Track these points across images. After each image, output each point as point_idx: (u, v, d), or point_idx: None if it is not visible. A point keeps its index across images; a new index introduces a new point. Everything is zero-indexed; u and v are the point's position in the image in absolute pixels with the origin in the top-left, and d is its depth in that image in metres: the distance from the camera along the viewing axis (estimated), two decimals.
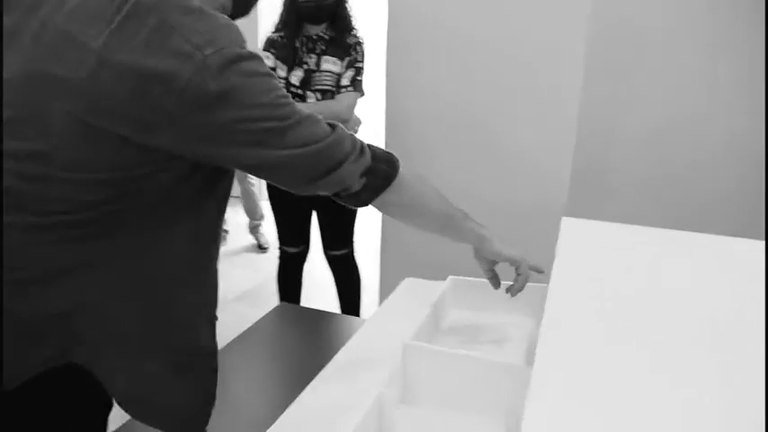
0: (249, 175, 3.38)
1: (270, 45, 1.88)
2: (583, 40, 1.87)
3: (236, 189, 3.32)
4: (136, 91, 0.56)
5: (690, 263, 0.83)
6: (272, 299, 2.83)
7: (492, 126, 2.02)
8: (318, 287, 2.62)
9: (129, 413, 0.74)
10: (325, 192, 0.74)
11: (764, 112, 1.60)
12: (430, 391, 0.81)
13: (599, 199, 2.26)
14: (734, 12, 2.03)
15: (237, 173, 3.48)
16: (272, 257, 3.40)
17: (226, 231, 2.73)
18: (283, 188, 0.73)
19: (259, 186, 3.78)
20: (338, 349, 1.00)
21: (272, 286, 3.00)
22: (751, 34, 2.02)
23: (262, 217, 3.62)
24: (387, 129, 2.15)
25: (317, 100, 1.88)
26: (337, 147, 0.69)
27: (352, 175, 0.72)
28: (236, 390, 1.04)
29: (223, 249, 2.77)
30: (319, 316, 1.44)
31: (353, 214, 2.11)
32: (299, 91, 1.87)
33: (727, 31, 2.04)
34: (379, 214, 2.17)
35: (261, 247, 3.60)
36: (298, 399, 0.84)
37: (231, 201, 2.96)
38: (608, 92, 2.14)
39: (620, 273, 0.78)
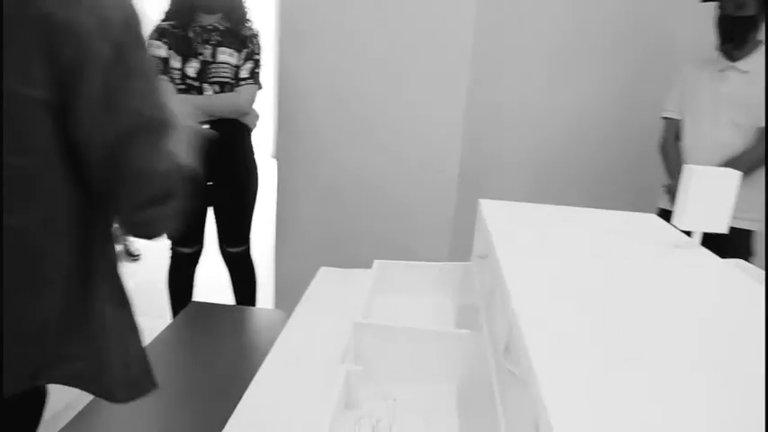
0: None
1: (161, 34, 1.79)
2: (470, 40, 2.01)
3: None
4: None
5: (607, 233, 0.95)
6: (156, 303, 2.68)
7: (383, 118, 2.10)
8: (206, 286, 2.51)
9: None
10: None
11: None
12: (384, 367, 0.85)
13: (490, 180, 2.44)
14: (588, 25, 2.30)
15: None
16: (146, 263, 3.21)
17: None
18: None
19: None
20: (272, 341, 0.99)
21: (152, 291, 2.84)
22: (609, 44, 2.31)
23: None
24: (278, 123, 2.14)
25: (215, 93, 1.83)
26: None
27: None
28: (175, 394, 0.99)
29: None
30: (239, 311, 1.41)
31: (251, 210, 2.07)
32: (196, 83, 1.80)
33: (588, 39, 2.31)
34: (273, 208, 2.17)
35: (131, 255, 3.35)
36: (247, 393, 0.84)
37: None
38: (492, 84, 2.32)
39: (552, 247, 0.87)
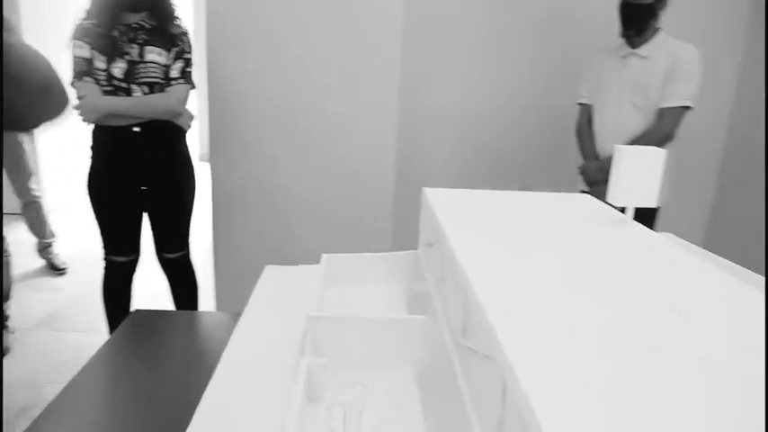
0: (33, 188, 2.95)
1: (82, 34, 1.70)
2: (399, 38, 2.04)
3: (14, 205, 2.90)
4: None
5: (546, 215, 0.99)
6: (87, 317, 2.56)
7: (317, 116, 2.10)
8: (143, 295, 2.44)
9: None
10: None
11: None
12: (343, 357, 0.85)
13: (424, 172, 2.49)
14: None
15: (18, 183, 3.04)
16: (74, 276, 3.06)
17: (6, 254, 2.35)
18: None
19: (49, 195, 3.36)
20: (224, 344, 0.97)
21: (83, 305, 2.72)
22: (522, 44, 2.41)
23: (52, 235, 3.15)
24: (210, 123, 2.09)
25: (144, 94, 1.76)
26: None
27: None
28: (128, 404, 0.96)
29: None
30: (186, 316, 1.37)
31: (189, 214, 2.01)
32: (124, 84, 1.73)
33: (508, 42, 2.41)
34: (209, 212, 2.11)
35: (56, 269, 3.16)
36: (205, 395, 0.82)
37: (9, 218, 2.63)
38: (422, 80, 2.36)
39: (499, 229, 0.89)
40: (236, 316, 1.23)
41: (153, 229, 1.98)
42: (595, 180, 2.05)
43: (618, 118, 1.99)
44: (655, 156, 0.94)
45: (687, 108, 1.89)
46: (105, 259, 1.97)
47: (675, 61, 1.87)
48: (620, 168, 0.94)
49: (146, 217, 1.97)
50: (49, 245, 3.15)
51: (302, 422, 0.68)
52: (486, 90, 2.48)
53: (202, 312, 1.40)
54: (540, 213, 1.00)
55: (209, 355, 1.07)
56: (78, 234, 3.64)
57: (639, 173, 0.94)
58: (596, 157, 2.08)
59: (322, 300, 1.00)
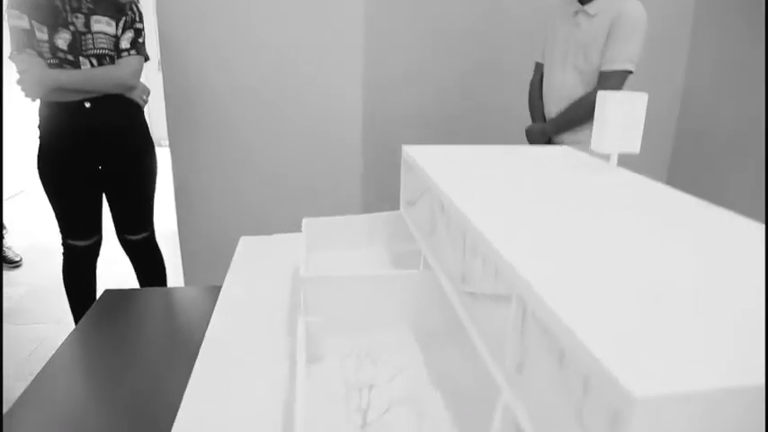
0: None
1: (19, 2, 1.58)
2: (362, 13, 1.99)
3: None
4: None
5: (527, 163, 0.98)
6: (48, 309, 2.45)
7: (281, 88, 2.03)
8: (106, 280, 2.36)
9: None
10: None
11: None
12: (338, 317, 0.82)
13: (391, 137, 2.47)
14: None
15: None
16: (29, 269, 2.92)
17: None
18: None
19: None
20: (207, 317, 0.93)
21: (42, 297, 2.60)
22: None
23: (2, 227, 3.01)
24: (166, 98, 2.00)
25: (93, 67, 1.66)
26: None
27: None
28: (115, 387, 0.90)
29: None
30: (164, 293, 1.31)
31: (152, 192, 1.93)
32: (70, 57, 1.63)
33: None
34: (170, 191, 2.03)
35: (11, 262, 3.01)
36: (197, 364, 0.78)
37: None
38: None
39: (489, 176, 0.88)
40: (212, 289, 1.19)
41: (112, 210, 1.89)
42: (536, 143, 1.97)
43: (561, 81, 1.89)
44: (638, 101, 0.93)
45: (629, 72, 1.76)
46: (64, 244, 1.86)
47: (618, 19, 1.71)
48: (603, 114, 0.93)
49: (106, 199, 1.87)
50: (1, 238, 2.99)
51: (306, 386, 0.66)
52: (449, 52, 2.46)
53: (177, 288, 1.34)
54: (524, 163, 0.99)
55: (192, 330, 1.02)
56: (32, 225, 3.47)
57: (623, 119, 0.94)
58: (543, 119, 2.00)
59: (308, 263, 0.97)
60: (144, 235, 1.94)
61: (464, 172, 0.93)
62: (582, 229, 0.63)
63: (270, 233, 1.35)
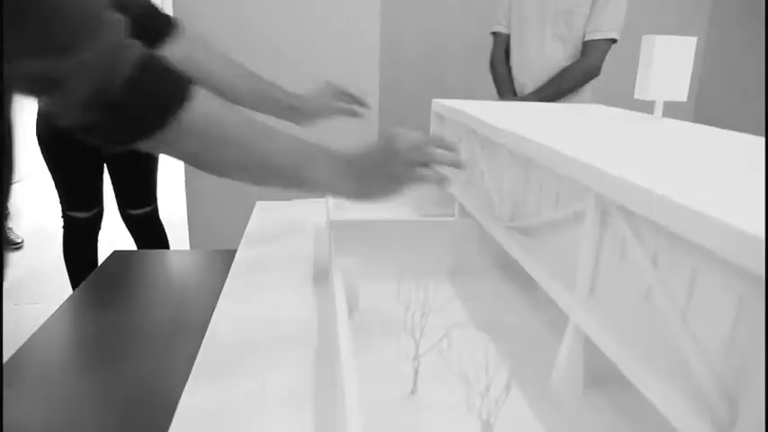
0: None
1: None
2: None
3: None
4: None
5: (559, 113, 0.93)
6: (48, 290, 2.38)
7: (296, 46, 1.97)
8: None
9: None
10: None
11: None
12: (375, 262, 0.77)
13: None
14: None
15: None
16: (30, 251, 2.86)
17: None
18: None
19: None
20: (221, 277, 0.87)
21: (42, 279, 2.53)
22: None
23: (7, 209, 2.96)
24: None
25: None
26: None
27: None
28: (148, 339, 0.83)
29: None
30: (176, 255, 1.25)
31: (154, 164, 1.86)
32: None
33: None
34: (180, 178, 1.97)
35: (12, 244, 2.95)
36: (215, 313, 0.72)
37: None
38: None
39: (531, 121, 0.83)
40: (225, 253, 1.13)
41: (114, 182, 1.81)
42: None
43: (539, 50, 1.79)
44: (686, 46, 0.89)
45: (613, 41, 1.72)
46: (64, 216, 1.79)
47: None
48: (650, 59, 0.88)
49: (107, 170, 1.80)
50: (5, 219, 2.93)
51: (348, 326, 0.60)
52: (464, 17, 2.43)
53: (187, 251, 1.28)
54: (563, 114, 0.94)
55: (202, 293, 0.96)
56: (37, 209, 3.40)
57: (669, 64, 0.89)
58: (514, 93, 1.88)
59: (336, 215, 0.91)
60: (147, 209, 1.86)
61: (506, 118, 0.88)
62: (638, 147, 0.58)
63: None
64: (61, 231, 1.81)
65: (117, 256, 1.19)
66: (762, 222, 0.30)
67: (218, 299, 0.75)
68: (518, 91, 1.87)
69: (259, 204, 1.28)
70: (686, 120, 2.41)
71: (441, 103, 1.03)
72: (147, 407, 0.62)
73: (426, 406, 0.50)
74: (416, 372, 0.51)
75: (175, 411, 0.50)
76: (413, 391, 0.52)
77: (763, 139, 0.67)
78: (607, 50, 1.73)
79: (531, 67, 1.80)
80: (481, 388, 0.41)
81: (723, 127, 0.80)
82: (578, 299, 0.50)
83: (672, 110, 0.95)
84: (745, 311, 0.33)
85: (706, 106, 2.74)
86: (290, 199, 1.32)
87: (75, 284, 1.84)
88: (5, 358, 0.77)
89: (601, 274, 0.49)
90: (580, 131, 0.72)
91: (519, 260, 0.62)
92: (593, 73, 1.75)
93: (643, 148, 0.59)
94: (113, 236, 2.07)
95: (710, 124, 0.86)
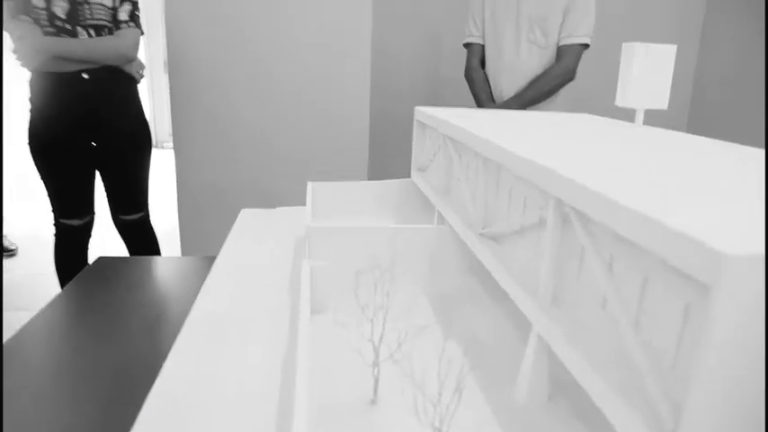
0: None
1: None
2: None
3: None
4: None
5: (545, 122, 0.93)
6: (40, 296, 2.38)
7: (288, 66, 1.98)
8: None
9: None
10: None
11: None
12: (344, 270, 0.76)
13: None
14: None
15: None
16: (24, 257, 2.86)
17: None
18: None
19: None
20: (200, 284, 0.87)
21: (34, 286, 2.53)
22: None
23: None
24: (170, 75, 1.94)
25: (90, 37, 1.61)
26: None
27: None
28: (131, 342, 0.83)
29: None
30: (160, 261, 1.24)
31: (146, 171, 1.86)
32: (68, 26, 1.57)
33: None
34: (173, 169, 1.96)
35: (6, 250, 2.96)
36: (191, 313, 0.72)
37: None
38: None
39: (508, 129, 0.82)
40: (210, 260, 1.13)
41: (107, 188, 1.82)
42: None
43: (515, 56, 1.83)
44: (665, 53, 0.88)
45: (586, 45, 1.79)
46: (56, 224, 1.79)
47: None
48: (629, 67, 0.88)
49: (98, 176, 1.81)
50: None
51: (309, 330, 0.60)
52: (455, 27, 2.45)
53: (173, 257, 1.28)
54: (545, 122, 0.94)
55: (185, 295, 0.96)
56: (29, 216, 3.41)
57: (649, 72, 0.89)
58: (492, 100, 1.92)
59: (313, 220, 0.91)
60: (139, 215, 1.87)
61: (484, 125, 0.88)
62: (608, 154, 0.57)
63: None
64: (52, 231, 1.81)
65: (102, 261, 1.19)
66: (715, 228, 0.30)
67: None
68: (496, 98, 1.92)
69: (243, 212, 1.27)
70: (681, 128, 2.41)
71: (421, 111, 1.03)
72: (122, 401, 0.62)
73: (383, 414, 0.50)
74: (376, 379, 0.50)
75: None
76: (373, 401, 0.51)
77: (739, 146, 0.67)
78: (581, 54, 1.83)
79: (508, 73, 1.87)
80: (434, 395, 0.40)
81: (718, 135, 0.80)
82: (541, 307, 0.49)
83: (664, 118, 0.94)
84: (691, 319, 0.32)
85: (700, 114, 2.74)
86: (273, 206, 1.32)
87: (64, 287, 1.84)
88: None
89: (563, 281, 0.48)
90: (553, 137, 0.71)
91: (489, 268, 0.62)
92: (569, 76, 1.83)
93: (612, 154, 0.59)
94: (102, 241, 2.07)
95: (705, 132, 0.86)
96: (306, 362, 0.46)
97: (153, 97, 6.15)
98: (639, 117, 0.91)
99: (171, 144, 1.97)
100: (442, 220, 0.87)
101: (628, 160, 0.55)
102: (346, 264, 0.77)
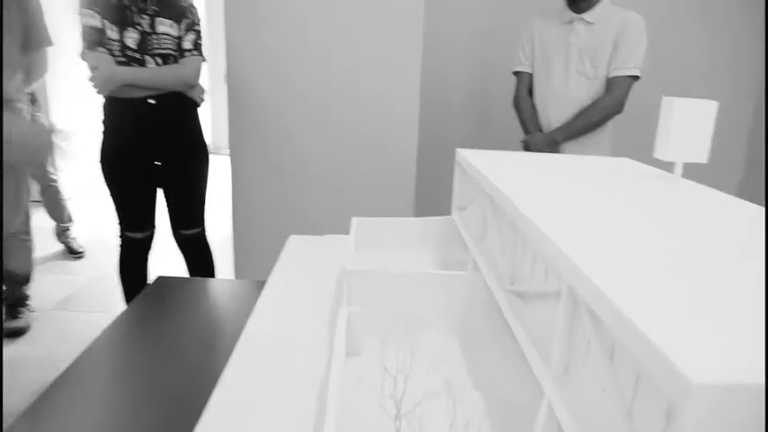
0: (51, 171, 2.94)
1: (92, 2, 1.66)
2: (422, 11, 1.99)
3: (34, 192, 2.88)
4: None
5: (574, 170, 0.95)
6: (105, 300, 2.54)
7: (338, 91, 2.05)
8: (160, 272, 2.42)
9: None
10: None
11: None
12: (379, 313, 0.81)
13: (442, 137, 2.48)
14: None
15: (37, 170, 2.99)
16: (91, 260, 3.05)
17: (28, 239, 2.36)
18: None
19: (68, 182, 3.33)
20: (250, 309, 0.93)
21: (100, 288, 2.70)
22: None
23: (70, 219, 3.16)
24: (229, 100, 2.05)
25: (158, 65, 1.72)
26: None
27: None
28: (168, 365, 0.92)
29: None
30: (213, 283, 1.33)
31: (204, 190, 1.98)
32: (137, 55, 1.70)
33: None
34: (228, 199, 2.07)
35: (74, 253, 3.16)
36: (235, 350, 0.78)
37: (31, 205, 2.56)
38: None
39: (548, 183, 0.85)
40: (260, 284, 1.20)
41: (168, 205, 1.94)
42: (539, 152, 1.87)
43: (564, 87, 1.87)
44: (706, 108, 0.89)
45: (636, 78, 1.80)
46: (122, 236, 1.93)
47: (624, 28, 1.78)
48: (669, 121, 0.89)
49: (160, 193, 1.93)
50: (67, 229, 3.14)
51: (341, 373, 0.64)
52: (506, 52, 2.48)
53: (227, 280, 1.36)
54: (583, 171, 0.96)
55: (237, 319, 1.03)
56: (96, 219, 3.64)
57: (690, 126, 0.89)
58: (539, 129, 1.95)
59: (355, 261, 0.96)
60: (197, 230, 1.99)
61: (520, 175, 0.91)
62: (639, 231, 0.60)
63: (321, 234, 1.36)
64: (118, 241, 1.94)
65: (161, 280, 1.28)
66: (699, 347, 0.32)
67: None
68: (544, 127, 1.95)
69: (292, 238, 1.34)
70: (739, 164, 2.29)
71: (462, 154, 1.06)
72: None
73: None
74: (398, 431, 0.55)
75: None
76: None
77: None
78: (630, 86, 1.85)
79: (557, 103, 1.90)
80: None
81: None
82: (553, 375, 0.52)
83: (715, 169, 0.93)
84: (673, 422, 0.35)
85: (758, 154, 2.64)
86: (322, 234, 1.38)
87: (127, 296, 1.99)
88: (67, 364, 0.88)
89: (575, 353, 0.51)
90: (584, 201, 0.73)
91: (512, 326, 0.65)
92: (617, 108, 1.84)
93: (636, 229, 0.61)
94: (161, 254, 2.20)
95: (759, 185, 0.85)
96: (334, 408, 0.50)
97: (213, 105, 6.42)
98: (678, 170, 0.92)
99: (227, 150, 2.08)
100: (476, 266, 0.91)
101: (648, 241, 0.57)
102: (380, 308, 0.82)
